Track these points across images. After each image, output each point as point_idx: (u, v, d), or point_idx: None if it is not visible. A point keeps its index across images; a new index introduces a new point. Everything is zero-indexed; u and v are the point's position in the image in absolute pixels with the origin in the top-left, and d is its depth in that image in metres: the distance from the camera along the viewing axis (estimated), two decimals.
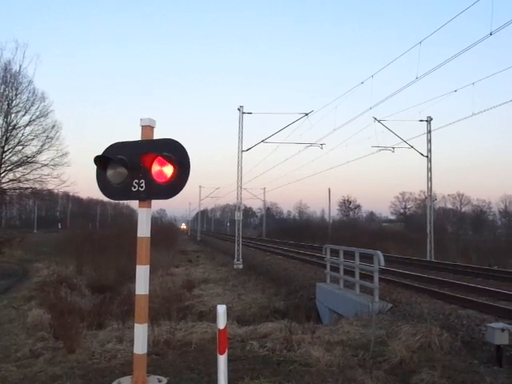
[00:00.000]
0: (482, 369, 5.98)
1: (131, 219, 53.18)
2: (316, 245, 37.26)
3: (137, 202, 4.74)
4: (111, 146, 4.89)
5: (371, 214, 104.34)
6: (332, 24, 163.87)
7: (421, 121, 24.88)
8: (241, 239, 25.66)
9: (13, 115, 28.12)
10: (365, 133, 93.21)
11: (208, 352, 6.55)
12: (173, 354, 6.77)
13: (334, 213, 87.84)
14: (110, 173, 4.69)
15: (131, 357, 4.84)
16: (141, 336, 4.55)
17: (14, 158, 28.62)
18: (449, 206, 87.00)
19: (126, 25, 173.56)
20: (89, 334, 8.16)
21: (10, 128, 28.06)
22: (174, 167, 4.48)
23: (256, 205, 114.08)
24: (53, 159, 28.82)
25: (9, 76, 27.91)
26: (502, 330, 6.21)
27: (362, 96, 23.53)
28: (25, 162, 28.70)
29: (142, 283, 4.62)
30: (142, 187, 4.61)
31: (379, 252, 10.25)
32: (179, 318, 9.99)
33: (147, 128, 4.73)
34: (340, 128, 33.09)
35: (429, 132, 24.94)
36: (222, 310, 3.87)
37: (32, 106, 28.62)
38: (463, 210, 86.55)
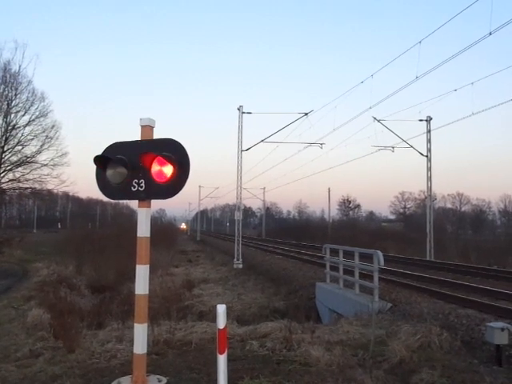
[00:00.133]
0: (481, 368, 5.98)
1: (131, 219, 53.08)
2: (316, 244, 37.25)
3: (136, 201, 4.75)
4: (111, 145, 4.89)
5: (371, 213, 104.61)
6: (332, 24, 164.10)
7: (420, 120, 24.90)
8: (241, 239, 25.67)
9: (12, 115, 28.23)
10: (364, 132, 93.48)
11: (208, 352, 6.55)
12: (172, 353, 6.75)
13: (334, 212, 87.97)
14: (109, 173, 4.69)
15: (131, 356, 4.85)
16: (140, 336, 4.55)
17: (14, 158, 28.73)
18: (448, 205, 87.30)
19: (125, 25, 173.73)
20: (88, 333, 8.15)
21: (10, 128, 28.12)
22: (174, 167, 4.48)
23: (256, 205, 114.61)
24: (52, 159, 28.97)
25: (8, 76, 28.03)
26: (502, 329, 6.22)
27: (361, 96, 23.69)
28: (24, 161, 28.75)
29: (141, 283, 4.62)
30: (141, 187, 4.61)
31: (379, 252, 10.26)
32: (179, 317, 9.98)
33: (147, 128, 4.73)
34: (340, 128, 33.05)
35: (428, 132, 24.95)
36: (221, 309, 3.87)
37: (31, 105, 28.77)
38: (463, 209, 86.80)
